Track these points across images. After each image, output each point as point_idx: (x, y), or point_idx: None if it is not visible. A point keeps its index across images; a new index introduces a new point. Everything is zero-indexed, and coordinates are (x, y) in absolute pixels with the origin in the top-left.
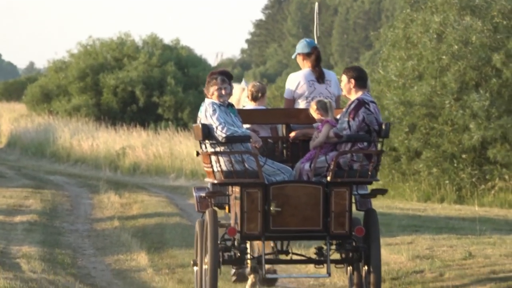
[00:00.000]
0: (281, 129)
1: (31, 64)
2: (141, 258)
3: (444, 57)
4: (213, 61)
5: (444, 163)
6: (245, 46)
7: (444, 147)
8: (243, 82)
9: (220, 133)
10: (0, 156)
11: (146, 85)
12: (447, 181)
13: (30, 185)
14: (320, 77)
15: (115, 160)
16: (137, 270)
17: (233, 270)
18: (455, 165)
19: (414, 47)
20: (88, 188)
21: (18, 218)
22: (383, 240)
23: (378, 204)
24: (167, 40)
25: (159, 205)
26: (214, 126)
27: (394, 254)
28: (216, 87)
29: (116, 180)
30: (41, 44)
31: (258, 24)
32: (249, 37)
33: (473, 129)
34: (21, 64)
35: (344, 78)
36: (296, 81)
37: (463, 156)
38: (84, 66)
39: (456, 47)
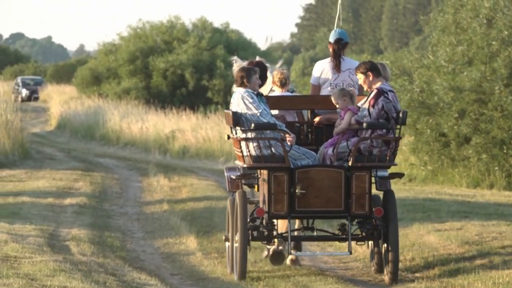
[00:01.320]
0: (307, 114)
1: (81, 46)
2: (190, 242)
3: (494, 42)
4: (262, 45)
5: (493, 149)
6: (295, 30)
7: (494, 133)
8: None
9: (263, 119)
10: (50, 138)
11: (195, 68)
12: (496, 167)
13: (79, 167)
14: (335, 67)
15: (165, 143)
16: (186, 254)
17: (265, 252)
18: (505, 151)
19: (464, 33)
20: (137, 171)
21: (67, 201)
22: (432, 226)
23: (428, 189)
24: (217, 23)
25: (208, 188)
26: (256, 111)
27: (443, 240)
28: (257, 76)
29: (165, 164)
30: (91, 27)
31: (308, 8)
32: (299, 21)
33: None
34: (71, 46)
35: (361, 75)
36: (321, 68)
37: None
38: (134, 49)
39: (506, 32)
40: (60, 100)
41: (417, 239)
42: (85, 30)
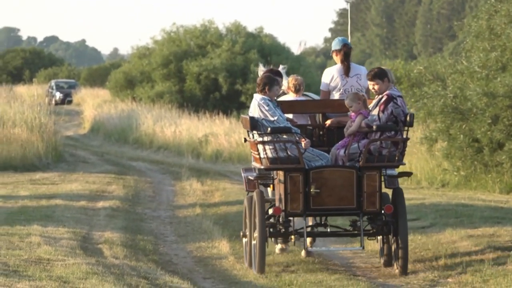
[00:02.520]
0: (318, 117)
1: (115, 50)
2: (223, 246)
3: None
4: (296, 50)
5: None
6: (329, 35)
7: None
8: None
9: (279, 125)
10: (83, 142)
11: (229, 72)
12: None
13: (113, 171)
14: (346, 72)
15: (198, 147)
16: (219, 258)
17: (278, 246)
18: None
19: (498, 38)
20: (170, 175)
21: (100, 204)
22: (464, 232)
23: (460, 195)
24: (251, 28)
25: (241, 193)
26: (272, 119)
27: (476, 245)
28: (277, 87)
29: (198, 167)
30: (125, 31)
31: (342, 13)
32: (332, 26)
33: None
34: (105, 50)
35: (374, 81)
36: (330, 75)
37: None
38: (167, 53)
39: None
40: (93, 104)
41: (450, 244)
42: (119, 34)
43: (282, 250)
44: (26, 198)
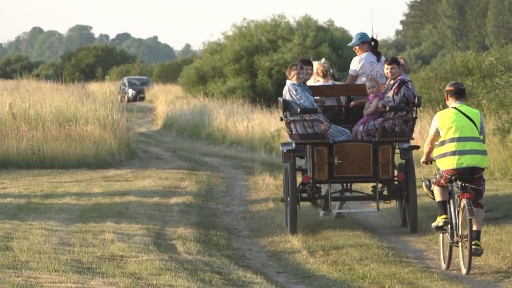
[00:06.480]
0: (344, 99)
1: (187, 46)
2: (296, 240)
3: None
4: None
5: None
6: (400, 27)
7: None
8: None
9: (302, 105)
10: (156, 138)
11: None
12: None
13: (185, 166)
14: (378, 59)
15: (270, 142)
16: (292, 252)
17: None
18: None
19: None
20: (243, 169)
21: (173, 200)
22: None
23: None
24: (321, 21)
25: None
26: (298, 102)
27: None
28: (295, 72)
29: (271, 162)
30: (197, 27)
31: (413, 5)
32: (404, 18)
33: None
34: (177, 46)
35: (390, 66)
36: (360, 62)
37: None
38: (239, 48)
39: None
40: (166, 100)
41: None
42: (190, 30)
43: (324, 214)
44: (99, 195)
